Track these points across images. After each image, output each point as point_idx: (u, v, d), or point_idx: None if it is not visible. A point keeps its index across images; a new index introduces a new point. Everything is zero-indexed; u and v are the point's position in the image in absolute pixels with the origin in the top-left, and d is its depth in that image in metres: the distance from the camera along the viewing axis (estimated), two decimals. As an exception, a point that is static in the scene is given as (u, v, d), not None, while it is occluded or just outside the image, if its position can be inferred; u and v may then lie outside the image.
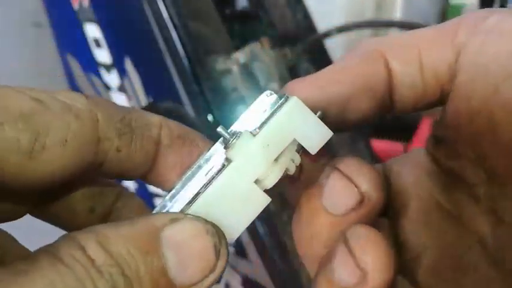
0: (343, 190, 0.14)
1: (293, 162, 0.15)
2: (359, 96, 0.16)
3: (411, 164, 0.17)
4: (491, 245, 0.16)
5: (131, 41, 0.48)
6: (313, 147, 0.15)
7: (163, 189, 0.17)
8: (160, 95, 0.47)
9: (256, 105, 0.16)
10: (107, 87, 0.53)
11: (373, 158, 0.50)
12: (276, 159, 0.15)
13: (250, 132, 0.14)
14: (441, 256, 0.15)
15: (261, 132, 0.14)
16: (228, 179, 0.14)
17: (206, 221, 0.13)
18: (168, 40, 0.42)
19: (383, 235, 0.14)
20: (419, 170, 0.17)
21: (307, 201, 0.15)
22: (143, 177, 0.16)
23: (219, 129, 0.15)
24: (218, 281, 0.14)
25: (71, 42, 0.59)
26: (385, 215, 0.17)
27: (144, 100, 0.49)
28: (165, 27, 0.42)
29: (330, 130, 0.15)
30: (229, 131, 0.15)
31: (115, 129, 0.14)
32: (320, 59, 0.58)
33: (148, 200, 0.54)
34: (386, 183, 0.17)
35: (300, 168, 0.15)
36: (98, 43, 0.52)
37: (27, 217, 0.16)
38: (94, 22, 0.51)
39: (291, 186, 0.17)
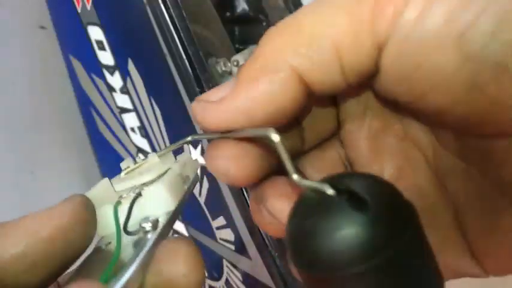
0: None
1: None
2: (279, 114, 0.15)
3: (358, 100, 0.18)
4: (433, 167, 0.17)
5: (134, 43, 0.49)
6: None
7: None
8: (161, 96, 0.48)
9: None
10: (110, 89, 0.54)
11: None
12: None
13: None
14: (392, 180, 0.15)
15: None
16: None
17: None
18: (169, 42, 0.42)
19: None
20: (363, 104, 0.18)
21: None
22: None
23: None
24: None
25: (74, 44, 0.59)
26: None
27: (145, 100, 0.49)
28: (166, 30, 0.42)
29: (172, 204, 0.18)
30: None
31: None
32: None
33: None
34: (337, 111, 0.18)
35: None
36: (100, 45, 0.52)
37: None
38: (97, 25, 0.52)
39: None
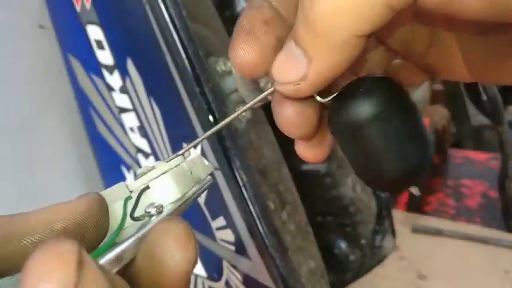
0: None
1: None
2: None
3: None
4: None
5: (133, 43, 0.49)
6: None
7: None
8: (161, 96, 0.48)
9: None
10: (109, 88, 0.54)
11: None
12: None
13: None
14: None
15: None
16: None
17: None
18: (169, 42, 0.42)
19: None
20: None
21: None
22: None
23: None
24: None
25: (73, 43, 0.59)
26: None
27: (144, 100, 0.49)
28: (166, 29, 0.42)
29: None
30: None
31: None
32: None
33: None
34: None
35: None
36: (100, 45, 0.52)
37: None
38: (96, 24, 0.51)
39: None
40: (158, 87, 0.48)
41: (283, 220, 0.45)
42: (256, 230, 0.42)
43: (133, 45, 0.49)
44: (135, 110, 0.51)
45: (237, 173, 0.41)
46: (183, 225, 0.16)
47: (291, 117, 0.18)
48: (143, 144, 0.52)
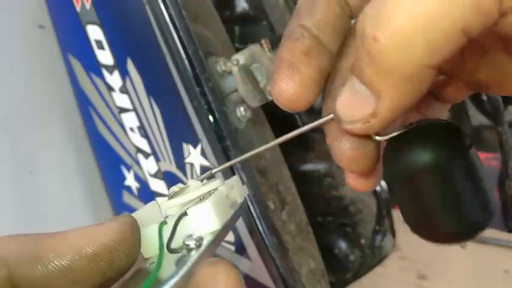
0: None
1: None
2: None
3: None
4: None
5: (133, 43, 0.49)
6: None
7: None
8: (161, 96, 0.48)
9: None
10: (109, 88, 0.54)
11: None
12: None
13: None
14: None
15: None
16: None
17: None
18: (169, 42, 0.42)
19: None
20: None
21: None
22: None
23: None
24: None
25: (73, 43, 0.59)
26: None
27: (145, 100, 0.49)
28: (166, 29, 0.42)
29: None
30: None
31: None
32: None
33: (150, 199, 0.54)
34: None
35: None
36: (100, 45, 0.52)
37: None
38: (96, 24, 0.51)
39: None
40: (158, 87, 0.48)
41: (283, 220, 0.45)
42: (256, 230, 0.42)
43: (133, 45, 0.49)
44: (135, 110, 0.51)
45: (237, 173, 0.41)
46: (233, 274, 0.15)
47: (349, 153, 0.18)
48: (143, 144, 0.52)
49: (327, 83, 0.19)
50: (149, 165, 0.53)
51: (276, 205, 0.44)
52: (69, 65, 0.61)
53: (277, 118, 0.47)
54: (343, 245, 0.63)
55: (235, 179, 0.22)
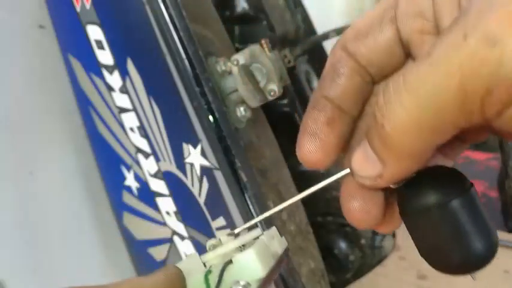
0: None
1: None
2: None
3: None
4: None
5: (133, 43, 0.49)
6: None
7: None
8: (161, 96, 0.48)
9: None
10: (109, 88, 0.54)
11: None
12: None
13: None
14: None
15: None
16: None
17: None
18: (169, 42, 0.42)
19: None
20: None
21: None
22: None
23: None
24: None
25: (73, 43, 0.59)
26: None
27: (145, 100, 0.49)
28: (166, 29, 0.42)
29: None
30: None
31: None
32: (319, 61, 0.59)
33: (150, 199, 0.54)
34: None
35: None
36: (99, 45, 0.52)
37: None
38: (96, 24, 0.52)
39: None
40: (158, 87, 0.48)
41: (283, 220, 0.45)
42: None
43: (133, 45, 0.49)
44: (135, 110, 0.51)
45: (237, 173, 0.41)
46: None
47: (360, 207, 0.20)
48: (143, 144, 0.52)
49: (351, 137, 0.21)
50: (149, 165, 0.53)
51: (276, 205, 0.44)
52: (69, 65, 0.61)
53: (277, 118, 0.47)
54: (343, 245, 0.63)
55: (274, 229, 0.23)
